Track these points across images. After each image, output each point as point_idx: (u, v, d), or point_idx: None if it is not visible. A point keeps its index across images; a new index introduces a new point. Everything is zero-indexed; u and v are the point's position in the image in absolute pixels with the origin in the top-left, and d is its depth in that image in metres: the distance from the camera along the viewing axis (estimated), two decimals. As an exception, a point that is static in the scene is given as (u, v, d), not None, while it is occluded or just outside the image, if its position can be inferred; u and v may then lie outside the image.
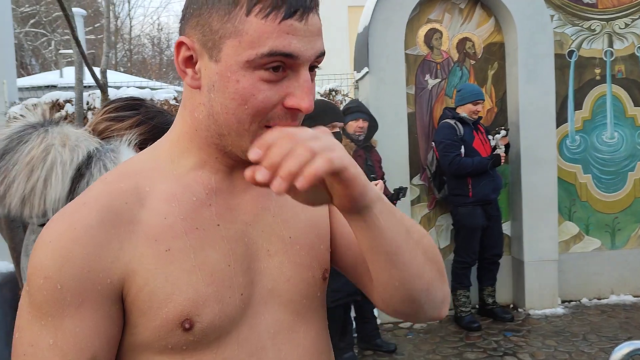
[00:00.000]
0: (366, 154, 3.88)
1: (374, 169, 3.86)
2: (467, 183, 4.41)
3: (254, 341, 0.81)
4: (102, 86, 2.19)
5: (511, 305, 5.02)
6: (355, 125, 3.80)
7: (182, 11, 0.79)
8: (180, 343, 0.75)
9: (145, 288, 0.74)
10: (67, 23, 1.96)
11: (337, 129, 3.06)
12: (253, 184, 0.66)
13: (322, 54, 0.76)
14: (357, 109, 3.84)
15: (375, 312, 4.71)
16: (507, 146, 4.56)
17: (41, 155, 1.29)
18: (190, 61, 0.77)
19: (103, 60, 2.40)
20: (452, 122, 4.43)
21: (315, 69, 0.78)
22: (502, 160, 4.43)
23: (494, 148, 4.50)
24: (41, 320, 0.71)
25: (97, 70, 2.61)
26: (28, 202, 1.29)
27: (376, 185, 3.14)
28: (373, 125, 3.92)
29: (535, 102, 4.81)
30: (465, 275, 4.54)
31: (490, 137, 4.58)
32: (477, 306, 4.81)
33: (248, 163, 0.76)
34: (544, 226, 4.82)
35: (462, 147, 4.38)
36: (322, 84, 5.30)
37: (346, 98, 4.69)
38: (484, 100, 4.52)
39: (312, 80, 0.77)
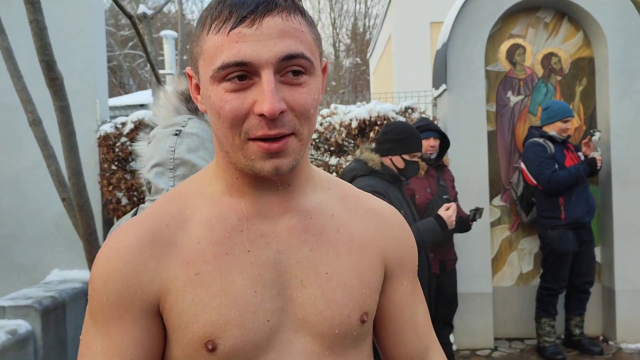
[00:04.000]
0: (438, 173, 3.74)
1: (446, 189, 3.70)
2: (560, 204, 4.17)
3: None
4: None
5: (600, 338, 4.68)
6: (427, 144, 3.67)
7: None
8: None
9: (175, 307, 0.78)
10: (142, 47, 2.06)
11: (417, 159, 2.98)
12: None
13: (291, 56, 0.74)
14: (427, 127, 3.70)
15: (451, 338, 4.55)
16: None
17: None
18: (198, 88, 0.82)
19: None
20: (540, 140, 4.22)
21: (302, 74, 0.75)
22: (599, 165, 4.15)
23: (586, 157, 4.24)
24: (94, 327, 0.79)
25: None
26: None
27: (448, 208, 3.01)
28: (445, 143, 3.77)
29: (628, 119, 4.51)
30: (551, 302, 4.28)
31: (580, 153, 4.34)
32: (562, 337, 4.52)
33: (268, 184, 0.82)
34: (637, 253, 4.47)
35: (556, 165, 4.16)
36: (399, 101, 5.24)
37: (423, 115, 4.59)
38: (573, 116, 4.28)
39: (302, 85, 0.75)
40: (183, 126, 1.51)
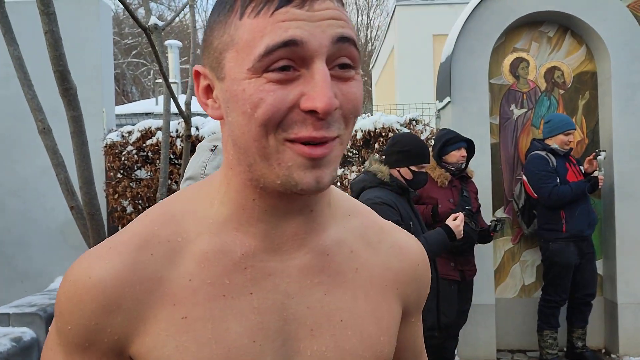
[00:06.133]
0: (462, 184, 3.73)
1: (469, 200, 3.70)
2: (561, 217, 4.18)
3: None
4: (186, 117, 2.31)
5: (603, 350, 4.68)
6: (459, 155, 3.64)
7: None
8: None
9: (154, 352, 0.67)
10: (156, 58, 2.09)
11: (424, 170, 3.01)
12: None
13: (345, 39, 0.62)
14: (458, 138, 3.68)
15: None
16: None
17: None
18: (210, 91, 0.69)
19: (188, 94, 2.53)
20: (543, 153, 4.24)
21: (351, 68, 0.63)
22: (600, 184, 4.19)
23: (587, 174, 4.28)
24: (59, 345, 0.70)
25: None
26: None
27: (455, 218, 3.03)
28: (471, 152, 3.78)
29: (630, 133, 4.54)
30: (553, 315, 4.29)
31: (581, 167, 4.36)
32: (565, 349, 4.52)
33: (289, 210, 0.69)
34: (640, 266, 4.49)
35: (557, 179, 4.18)
36: (404, 113, 5.28)
37: (427, 127, 4.63)
38: (575, 129, 4.32)
39: (351, 79, 0.64)
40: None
